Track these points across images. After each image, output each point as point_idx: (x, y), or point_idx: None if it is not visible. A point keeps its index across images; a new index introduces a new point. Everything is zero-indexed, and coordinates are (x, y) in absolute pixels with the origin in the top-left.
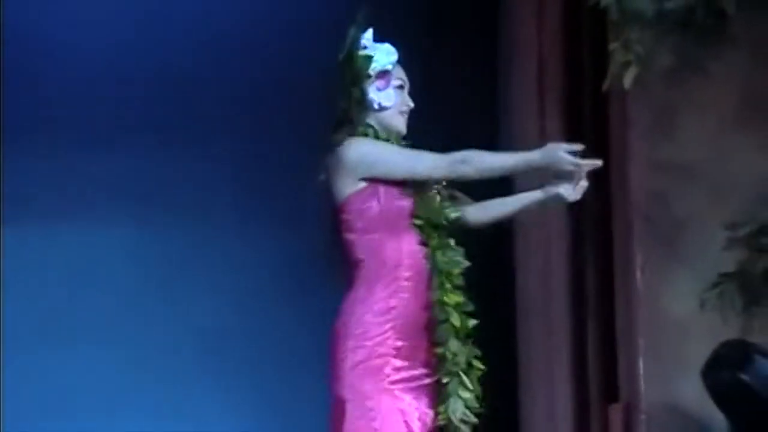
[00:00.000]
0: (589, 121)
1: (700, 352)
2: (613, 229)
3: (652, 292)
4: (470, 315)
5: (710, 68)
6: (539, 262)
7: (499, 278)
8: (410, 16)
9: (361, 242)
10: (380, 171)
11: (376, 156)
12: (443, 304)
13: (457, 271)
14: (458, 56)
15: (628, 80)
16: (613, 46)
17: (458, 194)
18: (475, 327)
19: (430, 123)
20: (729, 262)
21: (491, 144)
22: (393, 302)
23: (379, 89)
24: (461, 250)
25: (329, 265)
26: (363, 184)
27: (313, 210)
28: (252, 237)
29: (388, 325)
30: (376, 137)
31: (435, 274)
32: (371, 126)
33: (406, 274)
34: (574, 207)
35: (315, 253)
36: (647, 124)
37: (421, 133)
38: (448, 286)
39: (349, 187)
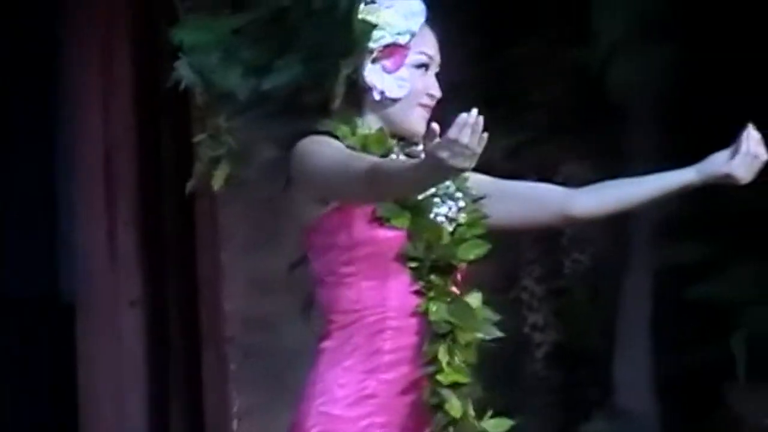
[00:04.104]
0: (171, 230)
1: None
2: (203, 369)
3: None
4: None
5: None
6: (111, 390)
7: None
8: None
9: (329, 296)
10: (320, 189)
11: (314, 165)
12: (437, 383)
13: (468, 337)
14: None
15: (218, 180)
16: (199, 137)
17: (515, 186)
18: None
19: None
20: None
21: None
22: (371, 387)
23: (386, 70)
24: (479, 303)
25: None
26: (324, 207)
27: None
28: None
29: (363, 423)
30: (350, 137)
31: (430, 338)
32: (347, 123)
33: (390, 344)
34: (154, 338)
35: None
36: (245, 234)
37: None
38: (447, 358)
39: (306, 209)
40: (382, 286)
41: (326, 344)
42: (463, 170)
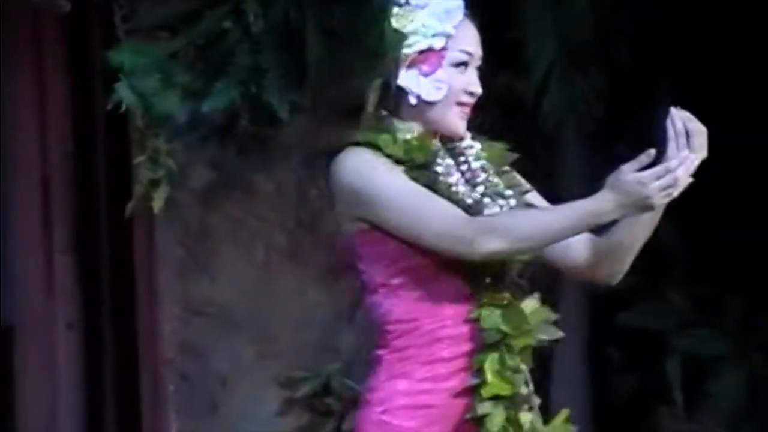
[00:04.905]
0: (108, 254)
1: None
2: (140, 391)
3: None
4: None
5: (257, 184)
6: (48, 412)
7: None
8: None
9: (383, 305)
10: (373, 217)
11: (370, 194)
12: (479, 397)
13: (523, 342)
14: None
15: (158, 202)
16: (138, 160)
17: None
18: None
19: None
20: (285, 429)
21: None
22: (430, 396)
23: (422, 73)
24: (535, 305)
25: None
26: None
27: None
28: None
29: None
30: (391, 145)
31: (481, 348)
32: (387, 131)
33: (448, 352)
34: (91, 360)
35: None
36: (181, 258)
37: None
38: (496, 368)
39: (350, 223)
40: (436, 295)
41: (383, 352)
42: (651, 208)
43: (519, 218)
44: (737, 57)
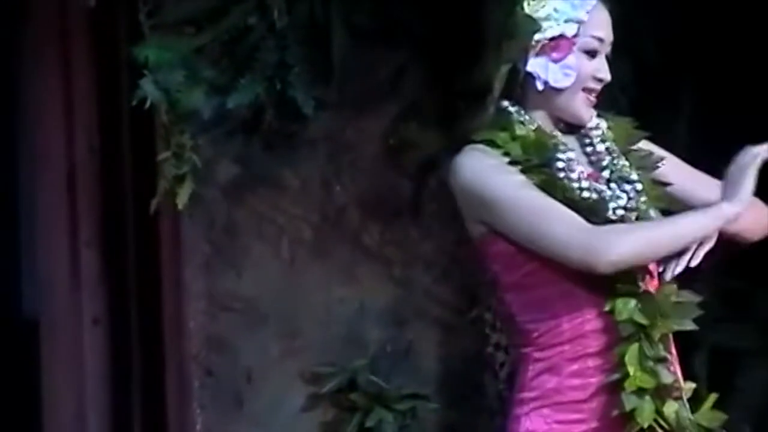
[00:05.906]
0: (134, 248)
1: None
2: (166, 386)
3: None
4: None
5: (283, 179)
6: (73, 407)
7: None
8: None
9: (515, 303)
10: (492, 221)
11: (489, 198)
12: (624, 390)
13: (662, 330)
14: None
15: (182, 198)
16: (163, 155)
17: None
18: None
19: None
20: (310, 424)
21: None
22: (578, 394)
23: (552, 60)
24: (672, 292)
25: None
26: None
27: None
28: None
29: (579, 428)
30: (510, 143)
31: (619, 341)
32: (505, 127)
33: (595, 347)
34: (117, 355)
35: None
36: (207, 252)
37: None
38: (637, 359)
39: (473, 225)
40: (571, 290)
41: (528, 351)
42: None
43: (650, 228)
44: (763, 54)
